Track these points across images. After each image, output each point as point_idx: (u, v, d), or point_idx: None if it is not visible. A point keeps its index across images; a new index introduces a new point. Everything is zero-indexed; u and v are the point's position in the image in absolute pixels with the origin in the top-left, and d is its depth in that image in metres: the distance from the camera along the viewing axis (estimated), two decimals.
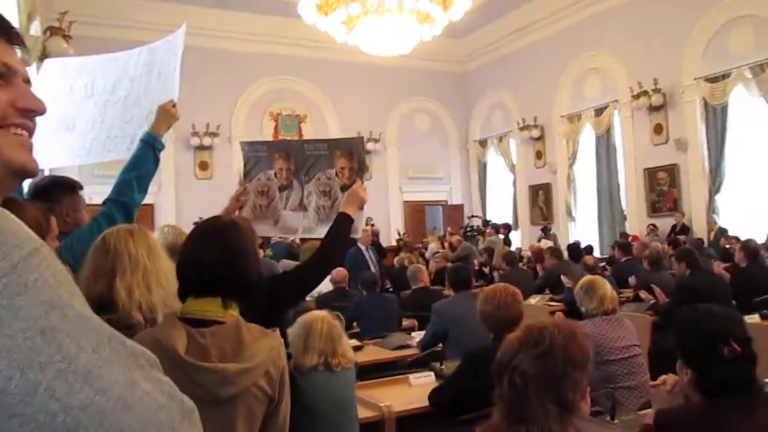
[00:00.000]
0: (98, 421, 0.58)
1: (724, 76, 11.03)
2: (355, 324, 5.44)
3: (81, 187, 2.31)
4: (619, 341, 3.22)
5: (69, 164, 2.65)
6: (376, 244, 10.14)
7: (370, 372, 3.91)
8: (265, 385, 1.49)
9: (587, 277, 3.65)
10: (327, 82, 15.24)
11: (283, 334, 2.37)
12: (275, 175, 2.68)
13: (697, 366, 1.76)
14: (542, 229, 13.95)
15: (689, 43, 11.53)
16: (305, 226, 2.65)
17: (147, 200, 2.35)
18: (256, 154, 2.74)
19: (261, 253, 7.77)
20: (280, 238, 8.44)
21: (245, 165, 2.75)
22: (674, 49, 11.70)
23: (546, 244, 11.87)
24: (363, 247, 8.98)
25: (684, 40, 11.58)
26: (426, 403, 3.06)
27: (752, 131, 11.03)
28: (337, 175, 2.63)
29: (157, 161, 2.31)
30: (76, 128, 2.49)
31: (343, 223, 2.34)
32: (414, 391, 3.40)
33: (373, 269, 8.17)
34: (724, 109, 11.20)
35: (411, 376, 3.57)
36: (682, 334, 1.83)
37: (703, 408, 1.71)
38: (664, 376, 1.99)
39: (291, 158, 2.69)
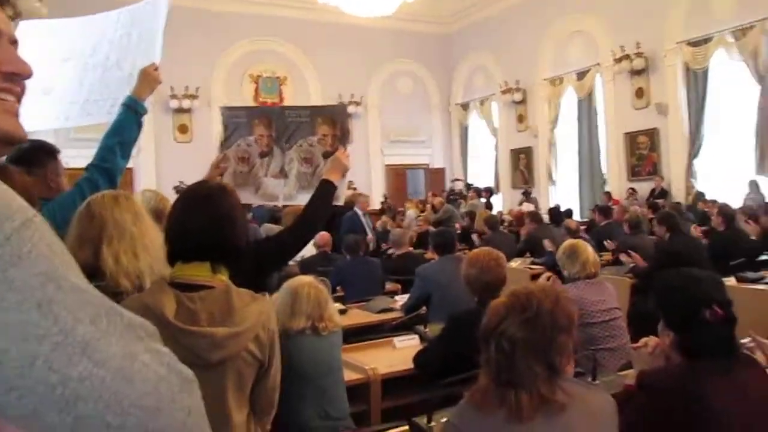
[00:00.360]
0: (97, 393, 0.57)
1: (706, 40, 11.03)
2: (338, 288, 5.47)
3: (59, 152, 2.26)
4: (601, 304, 3.27)
5: (47, 128, 2.59)
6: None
7: (354, 335, 3.94)
8: (254, 349, 1.50)
9: (570, 241, 3.68)
10: (308, 44, 15.01)
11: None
12: (255, 141, 2.65)
13: (679, 328, 1.79)
14: (523, 193, 14.04)
15: (672, 6, 11.49)
16: (286, 193, 2.64)
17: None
18: (236, 120, 2.70)
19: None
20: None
21: (224, 131, 2.71)
22: (657, 12, 11.66)
23: (528, 207, 11.98)
24: (360, 212, 8.99)
25: (667, 3, 11.53)
26: (411, 365, 3.10)
27: (731, 96, 11.12)
28: (319, 142, 2.61)
29: (140, 126, 2.27)
30: (54, 91, 2.42)
31: (325, 190, 2.33)
32: (399, 353, 3.44)
33: (369, 234, 8.19)
34: (705, 73, 11.25)
35: (395, 339, 3.61)
36: (664, 297, 1.86)
37: (685, 369, 1.75)
38: (645, 339, 2.03)
39: (272, 125, 2.66)
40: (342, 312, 4.54)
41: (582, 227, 8.55)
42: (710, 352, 1.73)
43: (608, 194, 12.26)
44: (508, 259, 6.86)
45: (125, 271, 1.61)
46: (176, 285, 1.50)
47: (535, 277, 5.83)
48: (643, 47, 11.91)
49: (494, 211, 12.68)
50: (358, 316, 4.57)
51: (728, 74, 11.09)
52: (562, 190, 14.25)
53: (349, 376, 3.01)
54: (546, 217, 9.30)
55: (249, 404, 1.57)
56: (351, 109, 15.39)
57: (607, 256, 6.68)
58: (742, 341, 2.47)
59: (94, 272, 1.58)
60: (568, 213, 10.22)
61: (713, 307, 1.72)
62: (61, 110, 2.43)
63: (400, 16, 14.14)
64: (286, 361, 2.67)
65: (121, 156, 2.19)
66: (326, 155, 2.59)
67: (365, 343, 3.69)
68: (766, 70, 10.34)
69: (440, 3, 15.87)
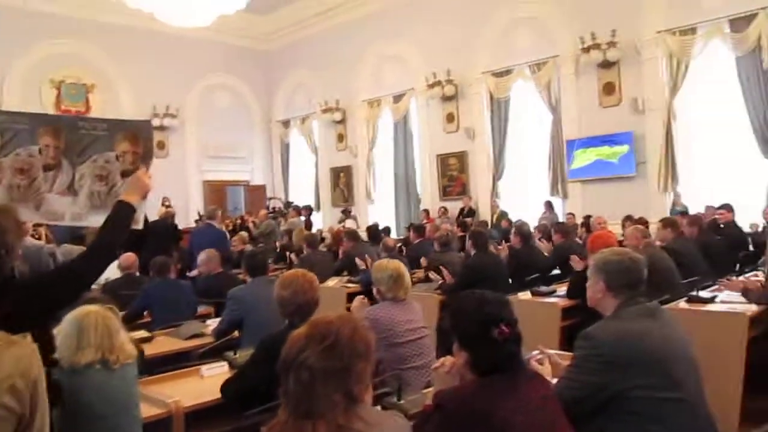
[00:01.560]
0: None
1: (508, 71, 12.07)
2: (146, 313, 5.12)
3: None
4: (409, 324, 3.37)
5: None
6: (172, 226, 9.63)
7: (160, 365, 3.68)
8: (10, 401, 1.30)
9: (382, 261, 3.76)
10: (119, 51, 14.10)
11: (49, 335, 2.13)
12: (39, 151, 2.36)
13: (470, 348, 1.89)
14: (343, 211, 14.28)
15: (479, 38, 12.44)
16: (74, 212, 2.38)
17: None
18: (15, 126, 2.38)
19: (42, 236, 6.99)
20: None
21: (0, 137, 2.38)
22: (466, 44, 12.56)
23: (351, 224, 12.19)
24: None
25: (475, 36, 12.46)
26: (219, 395, 2.95)
27: (529, 123, 12.27)
28: (117, 158, 2.40)
29: None
30: None
31: (122, 212, 2.13)
32: (206, 383, 3.26)
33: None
34: (506, 102, 12.29)
35: (203, 368, 3.43)
36: (456, 318, 1.95)
37: (476, 387, 1.84)
38: (443, 358, 2.11)
39: (61, 135, 2.39)
40: (147, 340, 4.25)
41: (398, 245, 8.87)
42: (499, 369, 1.84)
43: (426, 212, 12.89)
44: (326, 278, 6.94)
45: None
46: None
47: (351, 295, 5.89)
48: (453, 75, 12.74)
49: (314, 230, 12.76)
50: (165, 343, 4.29)
51: (527, 103, 12.24)
52: (381, 209, 14.73)
53: (149, 411, 2.79)
54: (365, 235, 9.52)
55: None
56: (167, 121, 14.74)
57: (420, 273, 6.96)
58: (532, 353, 2.68)
59: None
60: (387, 231, 10.55)
61: (501, 326, 1.82)
62: None
63: (220, 29, 13.81)
64: (74, 401, 2.43)
65: None
66: (125, 174, 2.38)
67: (171, 373, 3.46)
68: (557, 101, 11.54)
69: (261, 19, 15.75)
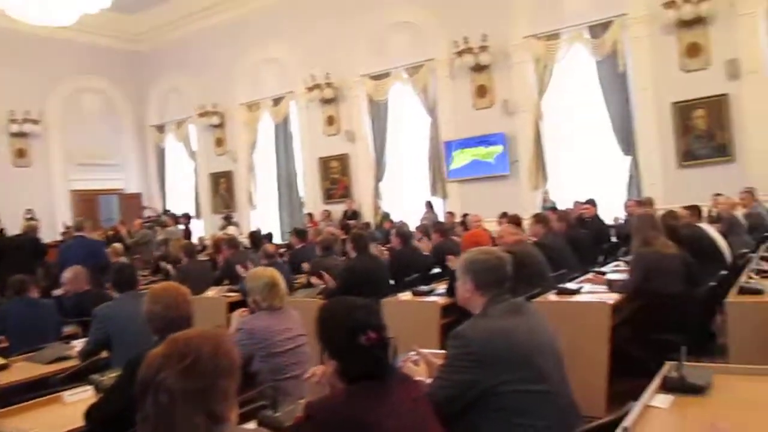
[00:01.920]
0: None
1: (386, 74, 12.25)
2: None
3: None
4: (286, 333, 3.31)
5: None
6: (33, 240, 8.94)
7: (19, 394, 3.40)
8: None
9: (257, 270, 3.67)
10: None
11: None
12: None
13: (339, 356, 1.87)
14: (224, 218, 13.92)
15: (355, 41, 12.54)
16: None
17: None
18: None
19: None
20: None
21: None
22: (343, 47, 12.62)
23: (236, 232, 11.90)
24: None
25: (352, 39, 12.54)
26: (82, 423, 2.75)
27: (409, 125, 12.53)
28: None
29: None
30: None
31: None
32: (69, 410, 3.03)
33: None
34: (385, 104, 12.47)
35: (65, 394, 3.18)
36: (323, 327, 1.92)
37: (345, 395, 1.82)
38: (313, 368, 2.08)
39: None
40: (2, 368, 3.91)
41: (282, 250, 8.75)
42: (368, 376, 1.83)
43: (310, 216, 12.80)
44: (206, 288, 6.71)
45: None
46: None
47: (233, 305, 5.72)
48: (333, 78, 12.75)
49: (195, 238, 12.35)
50: (23, 369, 3.95)
51: (406, 106, 12.48)
52: (264, 214, 14.49)
53: None
54: (248, 242, 9.32)
55: None
56: (27, 127, 13.72)
57: (302, 278, 6.89)
58: (409, 354, 2.71)
59: None
60: (269, 237, 10.38)
61: (368, 332, 1.82)
62: None
63: (84, 29, 13.04)
64: None
65: None
66: None
67: (30, 402, 3.18)
68: (434, 103, 11.85)
69: (129, 19, 15.05)
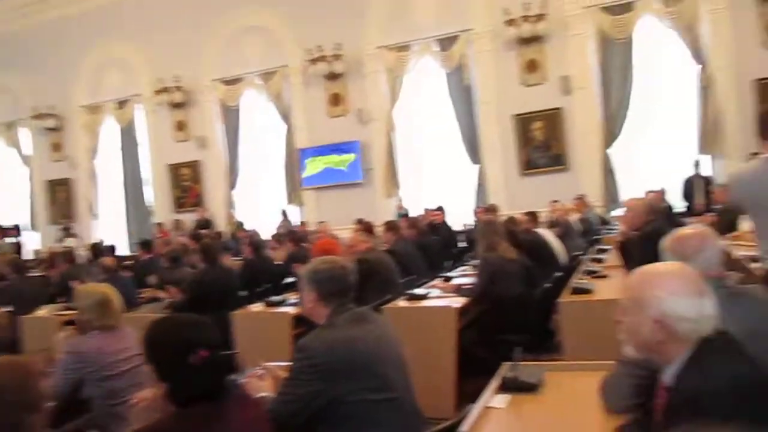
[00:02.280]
0: None
1: (239, 79, 11.98)
2: None
3: None
4: (122, 353, 3.07)
5: None
6: None
7: None
8: None
9: (87, 287, 3.40)
10: None
11: None
12: None
13: (168, 377, 1.73)
14: (63, 229, 12.89)
15: (205, 44, 12.11)
16: None
17: None
18: None
19: None
20: None
21: None
22: (195, 50, 12.14)
23: (75, 244, 11.05)
24: None
25: (202, 42, 12.10)
26: None
27: (265, 132, 12.32)
28: None
29: None
30: None
31: None
32: None
33: None
34: (237, 110, 12.20)
35: None
36: (151, 347, 1.77)
37: (173, 420, 1.69)
38: (140, 393, 1.93)
39: None
40: None
41: (127, 262, 8.22)
42: (200, 398, 1.71)
43: (160, 225, 12.17)
44: (38, 306, 6.12)
45: None
46: None
47: (69, 323, 5.25)
48: (183, 82, 12.24)
49: (30, 251, 11.34)
50: None
51: (260, 112, 12.30)
52: (109, 224, 13.59)
53: None
54: (89, 255, 8.69)
55: None
56: None
57: (148, 292, 6.51)
58: (254, 369, 2.60)
59: None
60: (112, 249, 9.72)
61: (198, 351, 1.70)
62: None
63: None
64: None
65: None
66: None
67: None
68: (288, 110, 11.75)
69: None
